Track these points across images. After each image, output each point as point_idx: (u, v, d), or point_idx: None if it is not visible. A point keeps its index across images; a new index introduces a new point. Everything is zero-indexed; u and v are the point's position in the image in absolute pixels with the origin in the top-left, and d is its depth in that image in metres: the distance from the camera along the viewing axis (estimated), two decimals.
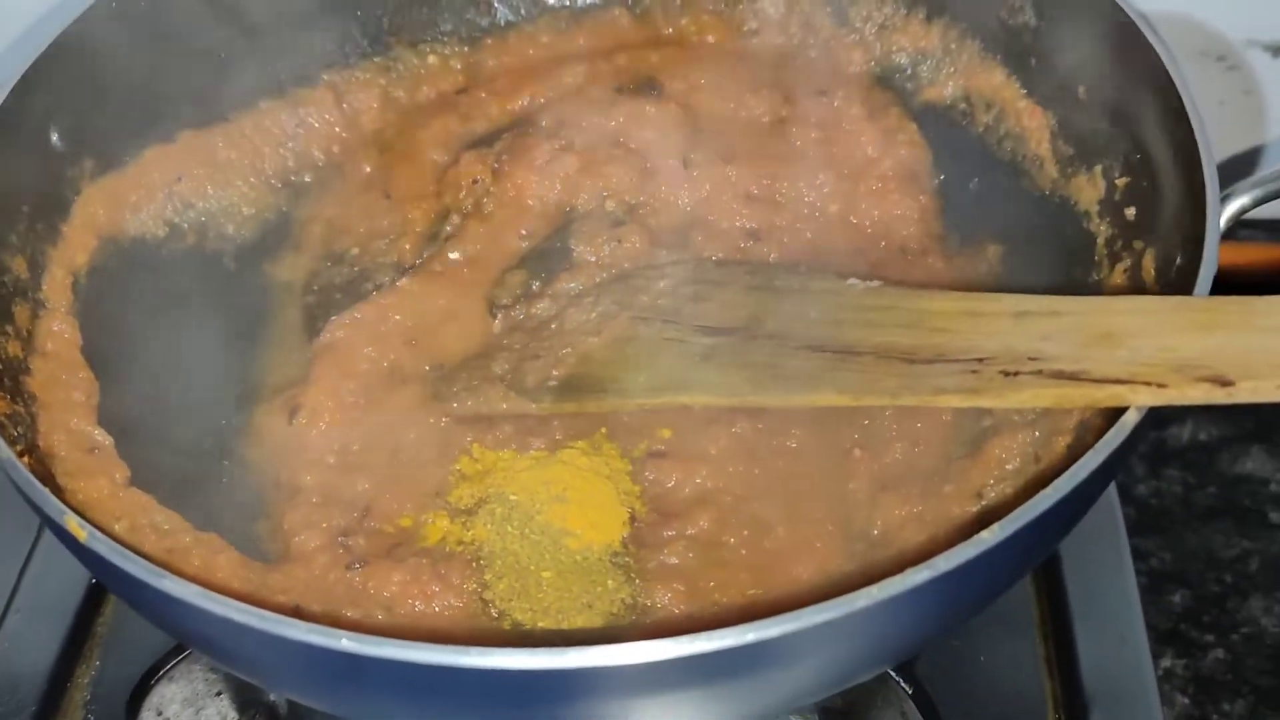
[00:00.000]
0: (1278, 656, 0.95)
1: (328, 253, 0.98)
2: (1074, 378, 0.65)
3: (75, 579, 0.92)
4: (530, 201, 0.98)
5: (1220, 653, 0.95)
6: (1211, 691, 0.93)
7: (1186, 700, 0.93)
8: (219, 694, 0.85)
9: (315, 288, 0.97)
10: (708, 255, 0.94)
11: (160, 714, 0.83)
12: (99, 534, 0.61)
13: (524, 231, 0.97)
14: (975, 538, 0.58)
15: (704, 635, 0.55)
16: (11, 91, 0.83)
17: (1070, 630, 0.87)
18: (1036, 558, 0.65)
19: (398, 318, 0.92)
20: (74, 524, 0.61)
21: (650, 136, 1.00)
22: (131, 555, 0.59)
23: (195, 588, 0.58)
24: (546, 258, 0.95)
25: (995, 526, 0.58)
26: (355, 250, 0.98)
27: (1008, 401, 0.67)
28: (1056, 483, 0.60)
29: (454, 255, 0.95)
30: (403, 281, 0.93)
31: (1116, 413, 0.65)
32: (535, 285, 0.93)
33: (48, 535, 0.93)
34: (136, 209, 0.93)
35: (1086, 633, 0.87)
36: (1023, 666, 0.86)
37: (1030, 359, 0.67)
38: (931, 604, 0.60)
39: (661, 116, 1.00)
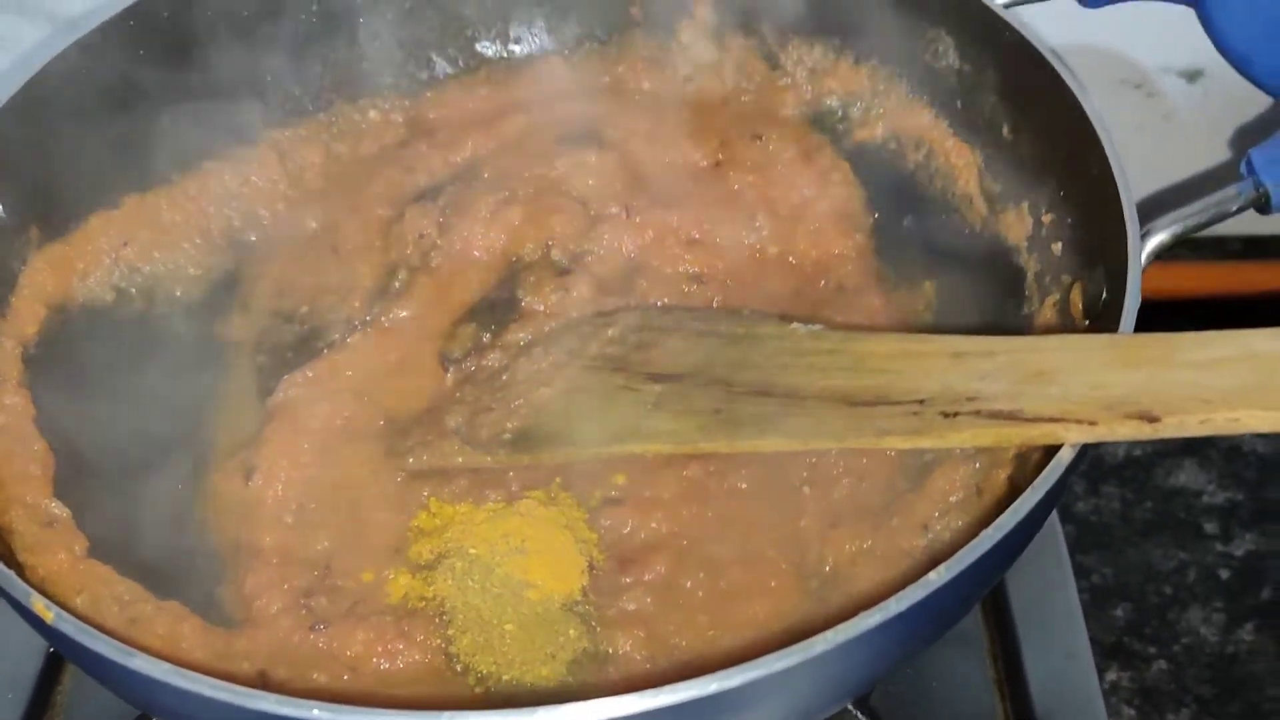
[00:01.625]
0: (1217, 665, 0.98)
1: (277, 310, 0.99)
2: (1010, 417, 0.67)
3: (34, 647, 0.92)
4: (477, 253, 0.99)
5: (1163, 664, 0.99)
6: (1156, 702, 0.97)
7: (1133, 712, 0.96)
8: None
9: (266, 346, 0.97)
10: (653, 301, 0.96)
11: None
12: (65, 615, 0.61)
13: (472, 283, 0.98)
14: (923, 579, 0.60)
15: (668, 689, 0.57)
16: None
17: (1018, 650, 0.90)
18: (984, 589, 0.68)
19: (349, 374, 0.93)
20: (40, 605, 0.61)
21: (592, 185, 1.02)
22: (99, 635, 0.60)
23: (165, 665, 0.59)
24: (495, 309, 0.97)
25: (942, 567, 0.60)
26: (305, 308, 0.99)
27: (949, 442, 0.69)
28: (998, 521, 0.62)
29: (403, 311, 0.96)
30: (353, 338, 0.95)
31: (1053, 446, 0.68)
32: (485, 337, 0.95)
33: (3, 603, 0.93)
34: (84, 276, 0.94)
35: (1034, 652, 0.90)
36: (974, 689, 0.89)
37: (968, 399, 0.70)
38: (886, 642, 0.62)
39: (602, 165, 1.02)
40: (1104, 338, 0.71)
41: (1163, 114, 1.24)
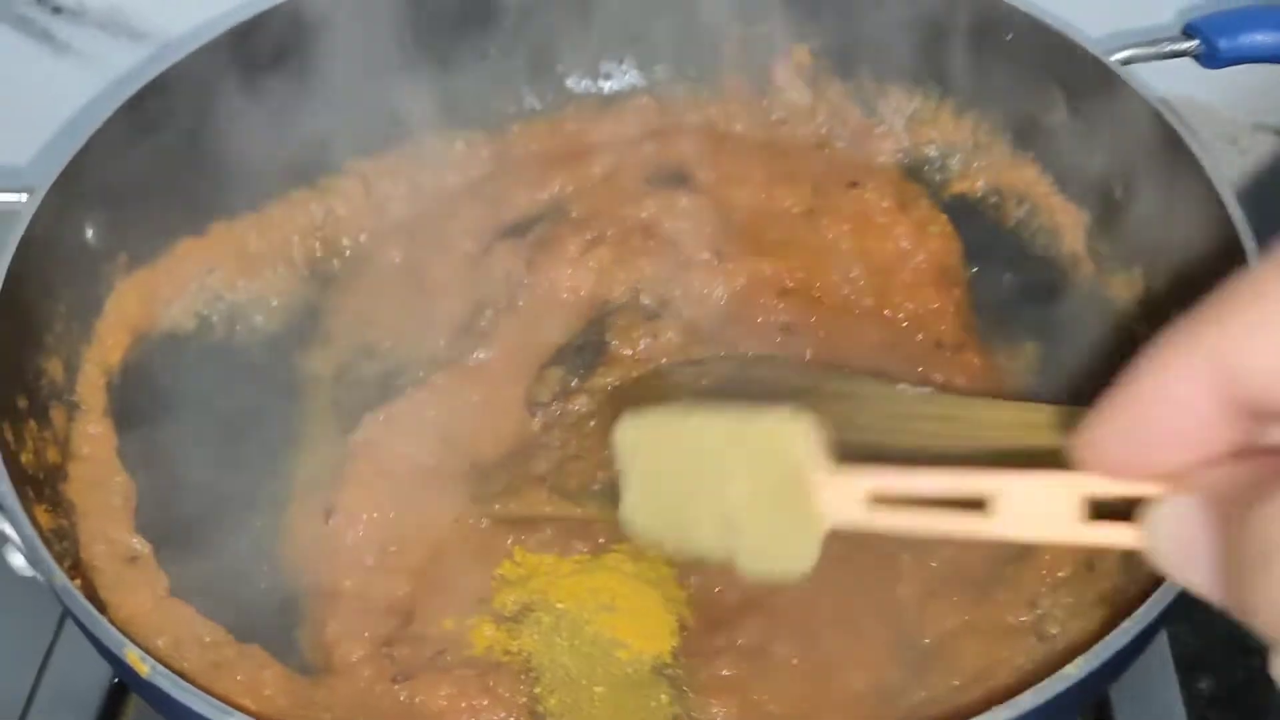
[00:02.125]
0: None
1: (358, 345, 0.97)
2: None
3: (97, 676, 0.90)
4: (564, 294, 0.97)
5: None
6: None
7: None
8: None
9: (346, 381, 0.95)
10: (744, 350, 0.94)
11: None
12: (161, 668, 0.59)
13: (558, 325, 0.96)
14: (1060, 673, 0.57)
15: None
16: (49, 191, 0.82)
17: None
18: (1108, 684, 0.65)
19: (432, 414, 0.90)
20: (135, 658, 0.59)
21: (682, 228, 0.99)
22: (198, 693, 0.58)
23: None
24: (582, 352, 0.95)
25: (1080, 661, 0.58)
26: (387, 343, 0.97)
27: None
28: (1137, 614, 0.60)
29: (488, 351, 0.94)
30: (436, 377, 0.92)
31: None
32: (573, 381, 0.92)
33: (68, 630, 0.91)
34: (168, 303, 0.92)
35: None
36: None
37: None
38: None
39: (693, 207, 1.00)
40: None
41: (1255, 170, 1.21)
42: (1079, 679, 0.57)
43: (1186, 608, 1.00)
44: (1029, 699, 0.56)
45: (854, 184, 1.02)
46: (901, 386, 0.81)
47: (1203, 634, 1.01)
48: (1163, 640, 0.93)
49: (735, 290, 0.97)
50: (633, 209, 1.00)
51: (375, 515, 0.85)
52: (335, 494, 0.85)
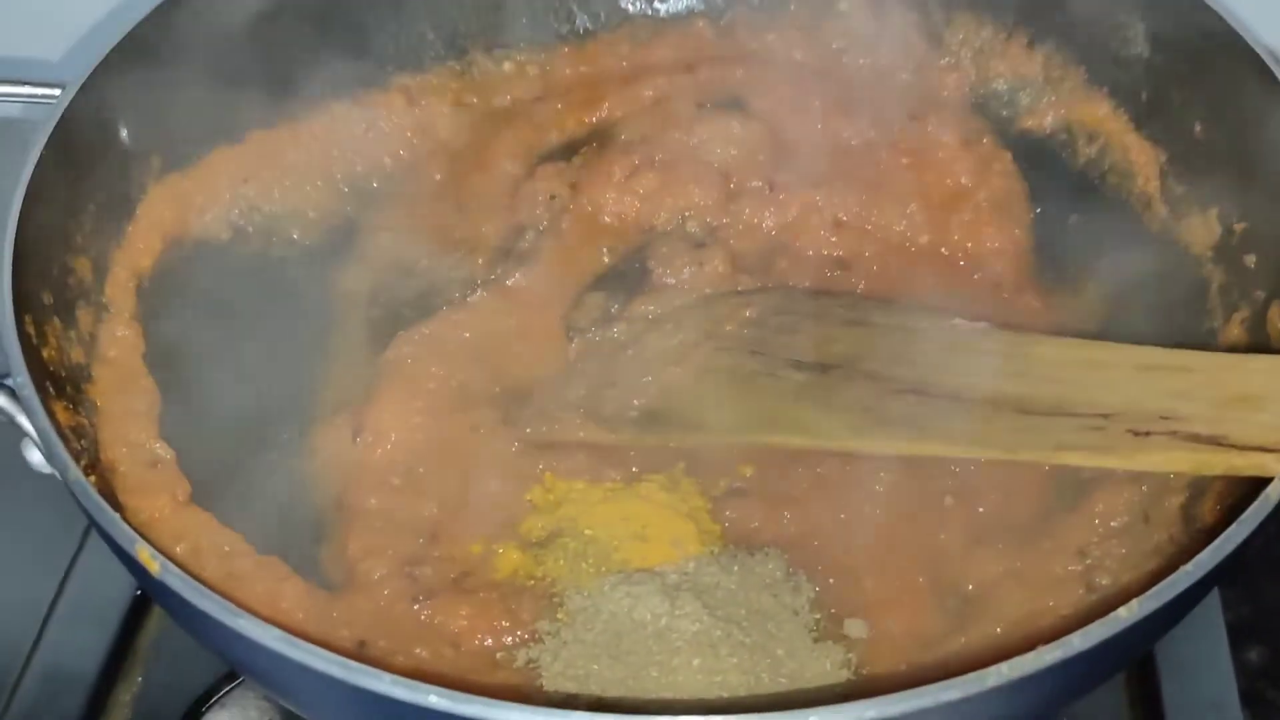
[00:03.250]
0: None
1: (395, 264, 0.95)
2: (1214, 442, 0.60)
3: (119, 588, 0.88)
4: (607, 219, 0.94)
5: None
6: None
7: None
8: None
9: (381, 300, 0.93)
10: (793, 283, 0.90)
11: None
12: (171, 566, 0.57)
13: (601, 250, 0.93)
14: (1112, 616, 0.54)
15: (818, 711, 0.51)
16: (81, 87, 0.80)
17: (1160, 697, 0.83)
18: (1160, 635, 0.61)
19: (467, 336, 0.88)
20: (145, 555, 0.57)
21: (734, 155, 0.96)
22: (206, 592, 0.56)
23: (275, 630, 0.54)
24: (624, 279, 0.92)
25: (1134, 604, 0.54)
26: (424, 262, 0.94)
27: (1137, 464, 0.63)
28: (1198, 559, 0.56)
29: (528, 274, 0.91)
30: (474, 298, 0.90)
31: (1249, 478, 0.61)
32: (614, 308, 0.89)
33: (92, 541, 0.90)
34: (202, 211, 0.90)
35: (1176, 699, 0.83)
36: None
37: (1161, 418, 0.63)
38: (1054, 681, 0.55)
39: (746, 135, 0.96)
40: None
41: None
42: (1132, 622, 0.53)
43: (1243, 569, 0.97)
44: (1078, 641, 0.53)
45: (915, 117, 0.97)
46: (956, 321, 0.77)
47: (1255, 603, 0.96)
48: (1215, 606, 0.89)
49: (786, 222, 0.93)
50: (683, 134, 0.97)
51: (404, 436, 0.83)
52: (364, 412, 0.83)
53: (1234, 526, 0.57)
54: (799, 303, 0.85)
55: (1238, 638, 0.95)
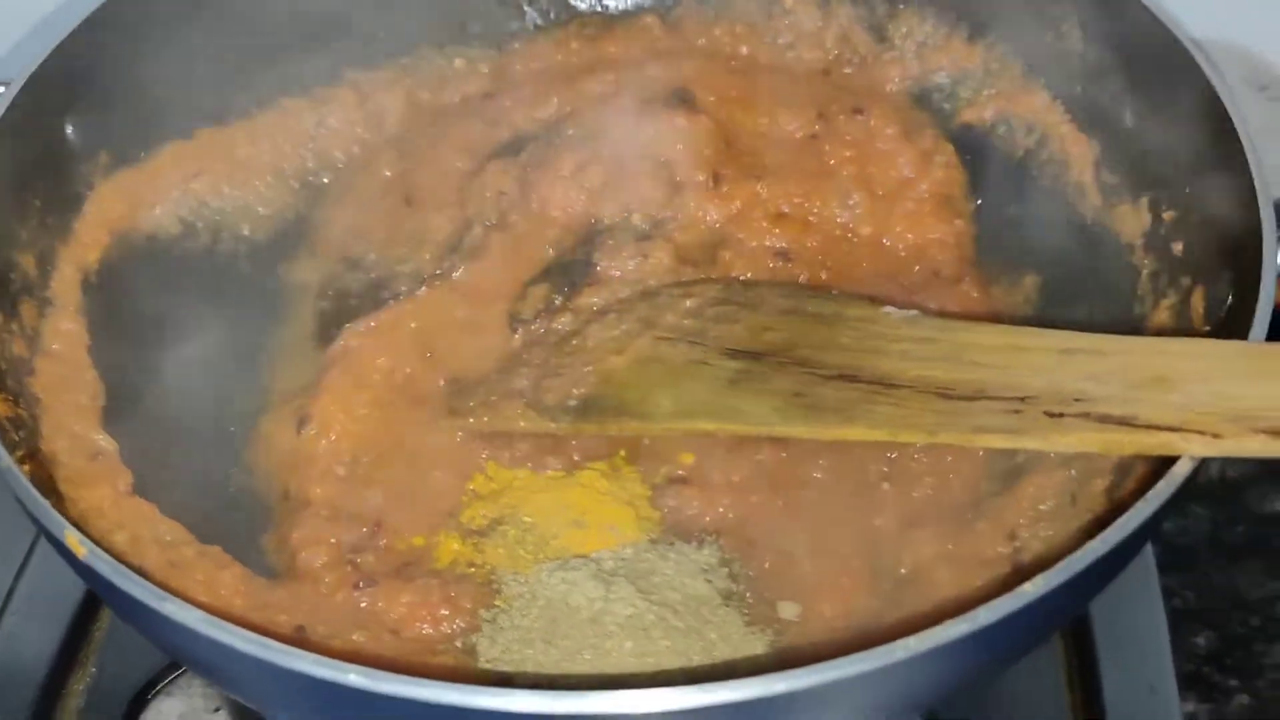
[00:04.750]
0: None
1: (344, 258, 0.96)
2: (1123, 422, 0.62)
3: (73, 582, 0.89)
4: (555, 213, 0.95)
5: (1245, 698, 0.92)
6: None
7: None
8: (217, 710, 0.82)
9: (330, 293, 0.94)
10: (735, 274, 0.91)
11: None
12: (99, 551, 0.58)
13: (547, 243, 0.94)
14: (1018, 590, 0.55)
15: (732, 684, 0.52)
16: (26, 83, 0.81)
17: (1097, 677, 0.84)
18: (1075, 609, 0.63)
19: (414, 327, 0.89)
20: (73, 539, 0.58)
21: (680, 150, 0.97)
22: (132, 576, 0.57)
23: (198, 613, 0.55)
24: (569, 271, 0.92)
25: (1039, 579, 0.55)
26: (373, 256, 0.95)
27: (1052, 445, 0.64)
28: (1104, 535, 0.57)
29: (474, 267, 0.92)
30: (421, 291, 0.91)
31: (1162, 459, 0.62)
32: (557, 300, 0.91)
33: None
34: (151, 206, 0.91)
35: (1114, 680, 0.84)
36: (1048, 713, 0.83)
37: (1076, 400, 0.64)
38: (968, 654, 0.57)
39: (693, 130, 0.97)
40: (1235, 345, 0.65)
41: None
42: (1037, 596, 0.54)
43: (1191, 556, 0.98)
44: (984, 614, 0.54)
45: (858, 110, 0.98)
46: (887, 309, 0.78)
47: (1202, 590, 0.98)
48: (1154, 587, 0.90)
49: (730, 214, 0.94)
50: (630, 130, 0.98)
51: (350, 427, 0.84)
52: (310, 404, 0.84)
53: (1139, 503, 0.59)
54: (736, 293, 0.86)
55: (1185, 623, 0.97)
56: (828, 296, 0.84)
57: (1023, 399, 0.66)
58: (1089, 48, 0.89)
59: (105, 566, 0.58)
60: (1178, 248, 0.81)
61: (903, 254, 0.93)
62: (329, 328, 0.90)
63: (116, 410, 0.80)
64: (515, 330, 0.89)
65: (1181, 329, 0.77)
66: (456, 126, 1.02)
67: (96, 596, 0.88)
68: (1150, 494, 0.59)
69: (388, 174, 1.00)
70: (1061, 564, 0.56)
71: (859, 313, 0.79)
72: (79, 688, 0.85)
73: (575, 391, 0.83)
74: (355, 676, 0.53)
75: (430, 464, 0.83)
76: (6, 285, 0.78)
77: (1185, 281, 0.79)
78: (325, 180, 0.99)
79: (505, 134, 1.02)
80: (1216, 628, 0.96)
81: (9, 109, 0.79)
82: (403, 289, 0.92)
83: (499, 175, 0.97)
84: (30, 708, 0.83)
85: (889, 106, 0.99)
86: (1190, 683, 0.93)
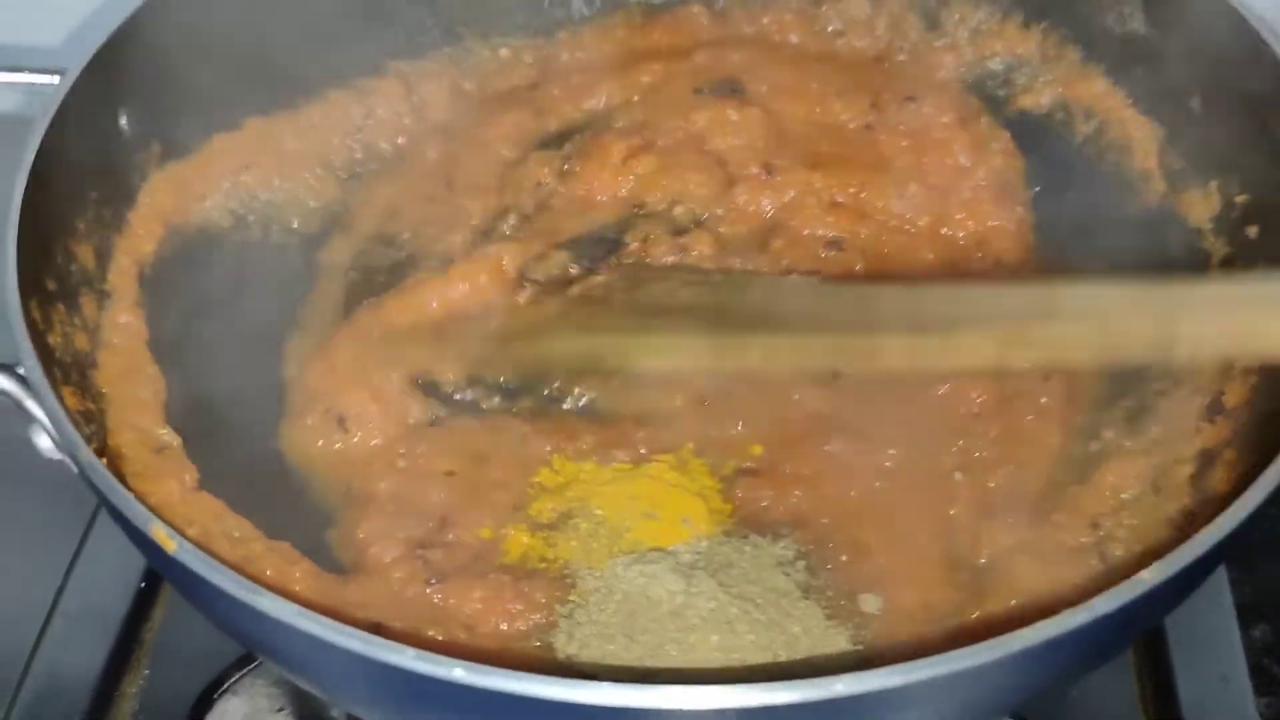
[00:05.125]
0: None
1: (379, 234, 0.94)
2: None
3: (124, 582, 0.88)
4: (601, 198, 0.94)
5: None
6: None
7: None
8: (281, 709, 0.81)
9: (360, 265, 0.93)
10: (786, 263, 0.90)
11: None
12: (188, 544, 0.57)
13: (584, 223, 0.93)
14: (1135, 578, 0.54)
15: (820, 682, 0.51)
16: (82, 72, 0.80)
17: (1169, 669, 0.83)
18: (1179, 600, 0.61)
19: (435, 306, 0.87)
20: (161, 533, 0.57)
21: (732, 143, 0.96)
22: (225, 570, 0.55)
23: (294, 607, 0.54)
24: (597, 245, 0.91)
25: (1156, 565, 0.54)
26: (406, 234, 0.94)
27: (947, 358, 0.71)
28: (1219, 520, 0.56)
29: (504, 247, 0.90)
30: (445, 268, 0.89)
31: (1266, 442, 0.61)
32: (573, 269, 0.89)
33: (95, 535, 0.90)
34: (202, 198, 0.89)
35: (1186, 672, 0.83)
36: (1120, 707, 0.82)
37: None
38: (1074, 648, 0.55)
39: (744, 121, 0.96)
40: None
41: None
42: (1153, 585, 0.53)
43: (1249, 549, 0.97)
44: (1101, 604, 0.53)
45: (912, 98, 0.97)
46: (793, 276, 0.84)
47: (1261, 582, 0.97)
48: (1223, 581, 0.89)
49: (783, 203, 0.93)
50: (681, 121, 0.97)
51: (385, 421, 0.82)
52: (340, 401, 0.82)
53: (1250, 491, 0.57)
54: (649, 272, 0.87)
55: (1243, 616, 0.95)
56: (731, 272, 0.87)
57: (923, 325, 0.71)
58: (1151, 29, 0.88)
59: (195, 560, 0.56)
60: (1252, 232, 0.80)
61: (963, 243, 0.92)
62: (356, 302, 0.89)
63: (177, 405, 0.79)
64: (524, 287, 0.88)
65: None
66: (503, 116, 1.00)
67: (147, 598, 0.87)
68: (1260, 481, 0.58)
69: (431, 156, 0.98)
70: (1176, 552, 0.54)
71: (762, 281, 0.86)
72: (131, 690, 0.84)
73: (514, 369, 0.84)
74: (460, 671, 0.52)
75: (493, 457, 0.81)
76: (67, 277, 0.77)
77: (1261, 266, 0.78)
78: (374, 168, 0.98)
79: (554, 124, 1.00)
80: (1274, 620, 0.95)
81: (65, 99, 0.78)
82: (432, 266, 0.90)
83: (539, 166, 0.96)
84: (83, 714, 0.81)
85: (943, 94, 0.98)
86: (1251, 675, 0.92)
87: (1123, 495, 0.74)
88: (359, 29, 0.98)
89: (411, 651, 0.52)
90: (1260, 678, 0.92)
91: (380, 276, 0.92)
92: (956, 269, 0.90)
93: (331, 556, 0.77)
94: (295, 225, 0.94)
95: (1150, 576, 0.53)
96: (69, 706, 0.82)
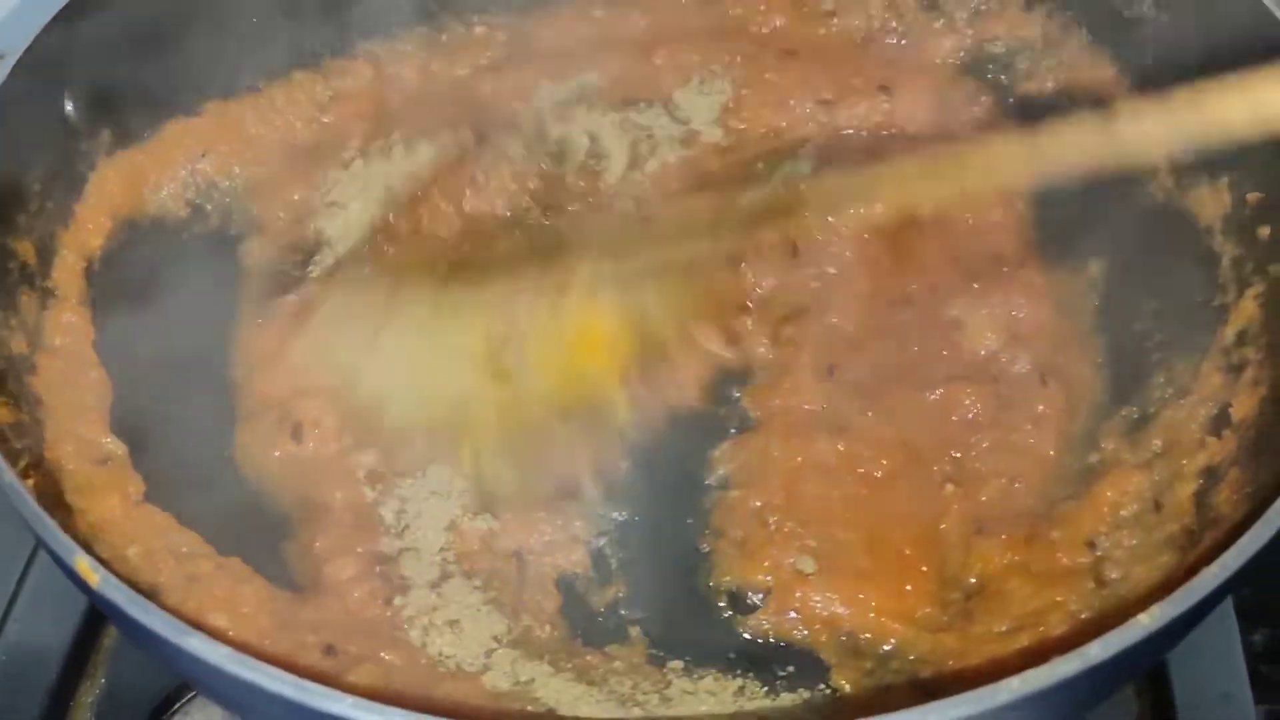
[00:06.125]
0: None
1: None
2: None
3: (73, 602, 0.84)
4: None
5: None
6: None
7: None
8: None
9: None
10: None
11: None
12: (113, 579, 0.53)
13: None
14: (1132, 622, 0.50)
15: None
16: (21, 56, 0.75)
17: (1168, 684, 0.79)
18: (1181, 638, 0.57)
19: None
20: (84, 566, 0.53)
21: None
22: (152, 608, 0.51)
23: (225, 649, 0.50)
24: None
25: (1155, 609, 0.50)
26: None
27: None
28: (1226, 557, 0.52)
29: None
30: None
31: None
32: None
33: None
34: (156, 187, 0.86)
35: (1185, 688, 0.79)
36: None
37: None
38: (1067, 694, 0.51)
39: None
40: None
41: None
42: (1153, 630, 0.49)
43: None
44: (1096, 650, 0.49)
45: (884, 88, 0.93)
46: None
47: (1261, 587, 0.93)
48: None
49: None
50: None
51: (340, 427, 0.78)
52: (294, 407, 0.78)
53: (1259, 525, 0.53)
54: None
55: (1244, 622, 0.92)
56: None
57: None
58: (1162, 13, 0.84)
59: (122, 597, 0.52)
60: (1264, 232, 0.75)
61: (963, 235, 0.88)
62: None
63: (123, 411, 0.75)
64: None
65: (1272, 320, 0.72)
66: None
67: (98, 621, 0.83)
68: (1270, 515, 0.53)
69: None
70: (1179, 592, 0.50)
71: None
72: (88, 700, 0.80)
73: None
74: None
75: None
76: (4, 275, 0.73)
77: (1275, 270, 0.73)
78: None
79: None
80: (1274, 625, 0.91)
81: (3, 84, 0.73)
82: None
83: None
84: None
85: (940, 79, 0.93)
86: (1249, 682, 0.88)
87: (1122, 512, 0.71)
88: (328, 6, 0.93)
89: (349, 700, 0.48)
90: (1258, 684, 0.88)
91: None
92: (958, 264, 0.86)
93: (287, 572, 0.73)
94: (257, 213, 0.90)
95: (1149, 620, 0.49)
96: (24, 714, 0.78)
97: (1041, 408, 0.77)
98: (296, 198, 0.88)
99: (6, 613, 0.82)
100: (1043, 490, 0.75)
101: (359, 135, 0.92)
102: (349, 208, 0.88)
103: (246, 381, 0.81)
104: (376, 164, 0.90)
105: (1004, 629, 0.67)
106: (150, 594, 0.57)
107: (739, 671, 0.68)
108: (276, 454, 0.76)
